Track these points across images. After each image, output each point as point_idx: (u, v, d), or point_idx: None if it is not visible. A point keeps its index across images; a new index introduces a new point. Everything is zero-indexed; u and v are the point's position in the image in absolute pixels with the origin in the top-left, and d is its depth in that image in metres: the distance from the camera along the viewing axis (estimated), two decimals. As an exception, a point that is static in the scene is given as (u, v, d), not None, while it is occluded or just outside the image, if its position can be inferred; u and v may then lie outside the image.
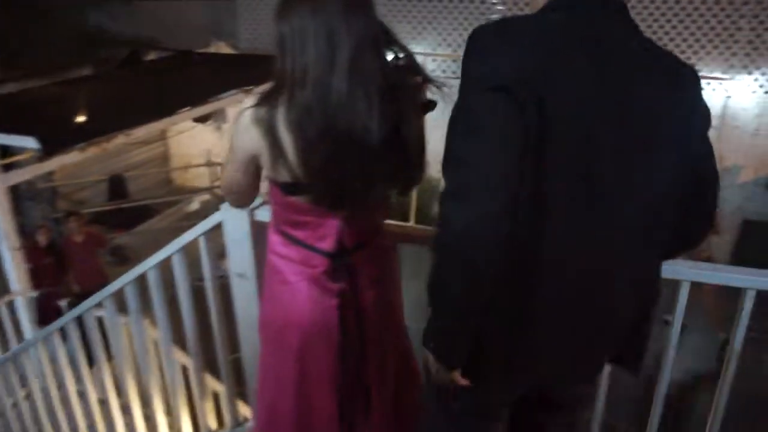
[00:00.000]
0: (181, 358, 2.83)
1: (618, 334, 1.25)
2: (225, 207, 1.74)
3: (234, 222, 1.74)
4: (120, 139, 5.06)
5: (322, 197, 1.35)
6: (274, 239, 1.49)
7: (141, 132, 5.35)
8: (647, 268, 1.22)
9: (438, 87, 1.42)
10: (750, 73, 6.84)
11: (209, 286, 1.97)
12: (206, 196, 8.93)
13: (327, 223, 1.42)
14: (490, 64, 1.03)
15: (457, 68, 7.69)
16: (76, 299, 5.69)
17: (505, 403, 1.34)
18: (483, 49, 1.05)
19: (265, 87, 1.32)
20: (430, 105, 1.42)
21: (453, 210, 1.01)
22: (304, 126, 1.26)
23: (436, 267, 1.08)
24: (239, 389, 2.21)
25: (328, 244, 1.43)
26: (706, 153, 1.17)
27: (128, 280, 2.11)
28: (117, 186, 8.85)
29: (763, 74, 6.81)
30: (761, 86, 6.85)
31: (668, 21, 6.93)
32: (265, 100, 1.30)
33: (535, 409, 1.39)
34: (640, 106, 1.08)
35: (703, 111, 1.15)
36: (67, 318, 2.61)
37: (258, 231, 1.71)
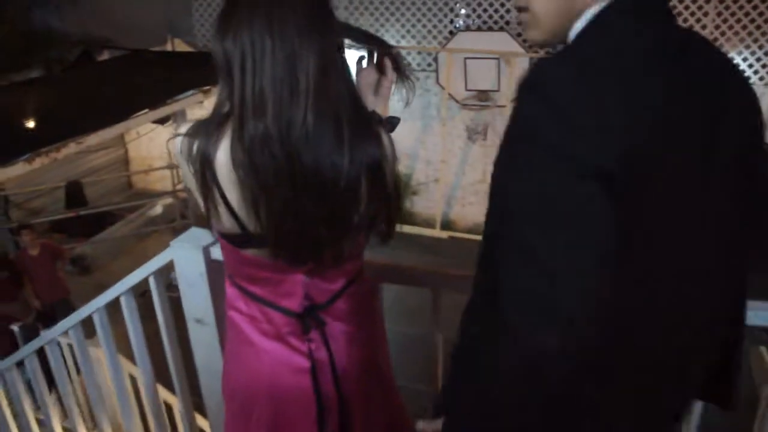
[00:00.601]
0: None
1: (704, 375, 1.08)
2: (176, 243, 1.52)
3: (187, 261, 1.51)
4: (71, 149, 4.76)
5: (281, 252, 1.12)
6: (231, 293, 1.26)
7: (94, 140, 5.04)
8: (734, 298, 1.06)
9: (411, 87, 1.26)
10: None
11: (166, 335, 1.74)
12: (169, 200, 8.59)
13: (289, 279, 1.19)
14: (577, 133, 0.76)
15: (422, 60, 7.50)
16: (39, 316, 5.43)
17: None
18: (562, 106, 0.78)
19: (203, 115, 1.10)
20: (394, 123, 1.23)
21: (532, 327, 0.78)
22: (258, 165, 1.02)
23: (495, 390, 0.84)
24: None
25: (293, 303, 1.21)
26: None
27: (72, 323, 1.87)
28: (74, 193, 8.47)
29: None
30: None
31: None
32: (202, 130, 1.06)
33: None
34: (730, 136, 0.90)
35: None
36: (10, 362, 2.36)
37: (215, 270, 1.49)
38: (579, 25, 0.89)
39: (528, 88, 0.82)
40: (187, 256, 1.50)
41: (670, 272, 0.89)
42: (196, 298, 1.54)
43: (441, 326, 1.51)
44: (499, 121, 7.39)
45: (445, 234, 7.68)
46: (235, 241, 1.14)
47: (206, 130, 1.06)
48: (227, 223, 1.11)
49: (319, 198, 1.05)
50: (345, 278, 1.24)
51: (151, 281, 1.67)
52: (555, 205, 0.76)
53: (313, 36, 1.01)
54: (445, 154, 7.60)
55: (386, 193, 1.12)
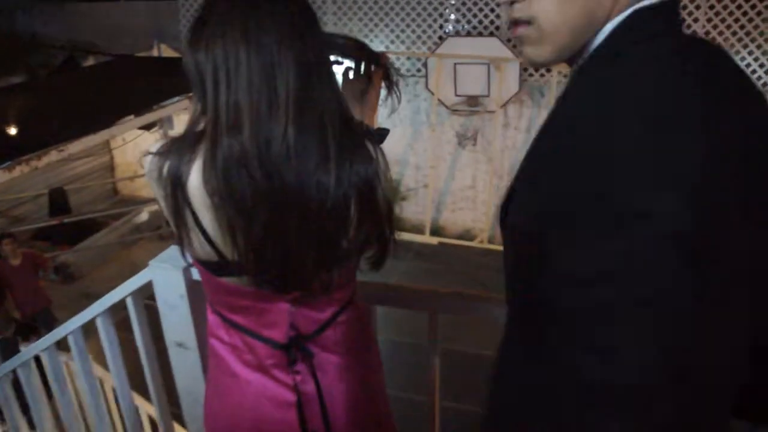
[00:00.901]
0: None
1: None
2: (154, 263, 1.43)
3: (166, 282, 1.42)
4: (53, 156, 4.66)
5: (262, 281, 1.02)
6: (212, 320, 1.17)
7: (77, 147, 4.94)
8: None
9: (398, 95, 1.21)
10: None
11: (146, 360, 1.65)
12: (155, 207, 8.47)
13: (273, 308, 1.09)
14: (650, 178, 0.62)
15: (411, 66, 7.43)
16: (19, 328, 5.30)
17: None
18: (628, 142, 0.64)
19: (176, 133, 1.02)
20: (383, 135, 1.16)
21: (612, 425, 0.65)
22: (234, 188, 0.92)
23: None
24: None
25: (277, 334, 1.11)
26: None
27: (45, 345, 1.77)
28: (58, 200, 8.32)
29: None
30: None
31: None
32: (174, 149, 0.97)
33: None
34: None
35: None
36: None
37: (197, 292, 1.41)
38: (599, 40, 0.76)
39: (579, 123, 0.67)
40: (167, 276, 1.41)
41: (738, 313, 0.79)
42: (177, 321, 1.46)
43: (439, 348, 1.43)
44: (488, 126, 7.34)
45: (434, 240, 7.61)
46: (211, 268, 1.06)
47: (178, 150, 0.97)
48: (202, 249, 1.02)
49: (303, 222, 0.96)
50: (335, 306, 1.15)
51: (129, 303, 1.58)
52: (634, 282, 0.63)
53: (293, 42, 0.92)
54: (434, 159, 7.55)
55: (378, 214, 1.03)
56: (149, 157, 1.00)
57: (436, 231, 7.79)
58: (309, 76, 0.94)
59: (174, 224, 1.00)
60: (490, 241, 7.54)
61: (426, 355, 1.43)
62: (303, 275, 1.02)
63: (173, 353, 1.51)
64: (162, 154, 0.98)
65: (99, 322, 1.65)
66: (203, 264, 1.06)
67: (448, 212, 7.99)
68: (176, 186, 0.96)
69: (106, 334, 1.66)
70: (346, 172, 0.96)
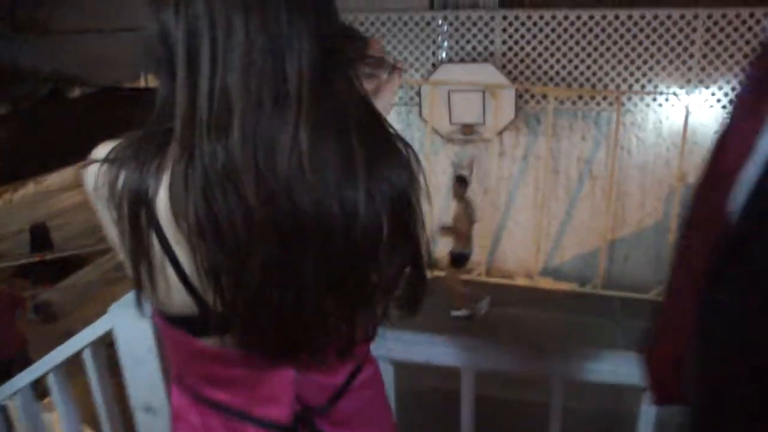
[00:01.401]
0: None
1: None
2: (116, 309, 1.17)
3: (130, 332, 1.16)
4: (29, 189, 4.42)
5: (258, 344, 0.72)
6: (179, 400, 0.85)
7: (55, 179, 4.70)
8: None
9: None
10: (707, 87, 6.64)
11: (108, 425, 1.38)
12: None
13: (273, 378, 0.79)
14: None
15: (404, 94, 7.25)
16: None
17: None
18: None
19: (133, 133, 0.70)
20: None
21: None
22: (219, 214, 0.64)
23: None
24: None
25: (278, 411, 0.80)
26: None
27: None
28: (40, 236, 8.05)
29: (720, 89, 6.62)
30: (718, 101, 6.65)
31: (621, 37, 6.69)
32: (131, 154, 0.68)
33: None
34: None
35: None
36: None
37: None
38: None
39: None
40: (131, 325, 1.15)
41: None
42: (145, 380, 1.19)
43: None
44: (484, 155, 7.16)
45: (428, 274, 7.34)
46: (187, 325, 0.75)
47: (138, 155, 0.68)
48: (175, 298, 0.72)
49: (322, 257, 0.68)
50: (350, 366, 0.86)
51: (87, 356, 1.31)
52: None
53: (308, 11, 0.66)
54: (428, 190, 7.32)
55: (414, 237, 0.76)
56: (92, 168, 0.70)
57: (432, 264, 7.52)
58: (328, 58, 0.68)
59: (131, 261, 0.70)
60: (487, 274, 7.31)
61: (442, 401, 1.18)
62: (317, 331, 0.73)
63: (140, 420, 1.23)
64: (114, 161, 0.68)
65: (51, 380, 1.38)
66: (174, 321, 0.76)
67: (443, 245, 7.75)
68: (137, 206, 0.67)
69: (59, 394, 1.38)
70: (377, 183, 0.69)
